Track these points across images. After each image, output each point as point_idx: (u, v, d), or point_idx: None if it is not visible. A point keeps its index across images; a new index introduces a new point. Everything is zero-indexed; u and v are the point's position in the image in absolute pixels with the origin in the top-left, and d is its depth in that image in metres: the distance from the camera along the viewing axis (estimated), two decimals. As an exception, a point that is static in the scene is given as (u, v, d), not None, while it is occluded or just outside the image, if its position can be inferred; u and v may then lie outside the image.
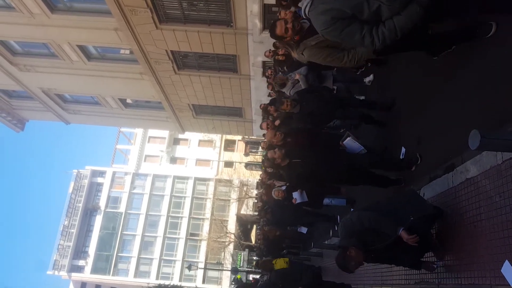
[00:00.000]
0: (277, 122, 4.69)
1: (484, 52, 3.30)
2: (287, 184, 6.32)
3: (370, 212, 3.39)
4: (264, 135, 8.00)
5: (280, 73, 7.57)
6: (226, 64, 13.16)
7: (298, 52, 3.19)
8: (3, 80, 14.86)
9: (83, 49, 13.05)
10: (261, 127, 7.81)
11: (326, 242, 8.05)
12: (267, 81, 8.82)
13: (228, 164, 36.02)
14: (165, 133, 36.98)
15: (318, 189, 4.39)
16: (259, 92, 13.50)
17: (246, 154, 32.34)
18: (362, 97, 5.94)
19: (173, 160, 38.21)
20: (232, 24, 10.99)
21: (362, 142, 4.60)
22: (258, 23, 10.66)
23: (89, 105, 17.25)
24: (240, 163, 34.00)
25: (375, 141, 5.54)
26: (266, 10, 10.25)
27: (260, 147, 22.95)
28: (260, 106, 8.23)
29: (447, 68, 3.84)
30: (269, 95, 8.94)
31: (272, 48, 7.74)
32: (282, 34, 3.08)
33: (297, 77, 6.00)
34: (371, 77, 6.20)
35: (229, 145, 37.54)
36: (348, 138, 4.51)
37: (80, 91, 16.12)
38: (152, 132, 37.94)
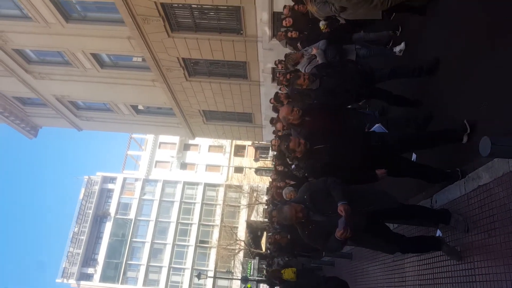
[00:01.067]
0: (285, 102, 4.13)
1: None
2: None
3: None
4: (274, 131, 7.76)
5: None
6: (236, 70, 13.27)
7: None
8: (18, 87, 15.20)
9: (96, 57, 13.30)
10: (271, 123, 7.53)
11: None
12: (277, 75, 8.33)
13: (238, 169, 36.03)
14: (175, 139, 37.23)
15: (349, 179, 3.58)
16: (269, 97, 13.49)
17: (256, 160, 32.33)
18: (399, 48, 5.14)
19: (183, 165, 38.41)
20: (242, 31, 11.13)
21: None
22: (267, 31, 10.75)
23: (102, 112, 17.50)
24: (250, 168, 33.99)
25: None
26: (275, 18, 10.33)
27: (270, 150, 22.86)
28: (270, 100, 7.85)
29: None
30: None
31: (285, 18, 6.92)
32: None
33: (314, 51, 5.19)
34: (402, 45, 5.21)
35: (239, 151, 37.61)
36: (378, 125, 3.87)
37: (93, 98, 16.38)
38: (162, 138, 38.23)
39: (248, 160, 35.78)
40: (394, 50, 5.38)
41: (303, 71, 5.25)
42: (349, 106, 4.89)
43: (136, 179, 39.52)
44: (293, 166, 7.35)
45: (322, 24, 5.34)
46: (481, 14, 3.65)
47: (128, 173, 40.61)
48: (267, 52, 11.41)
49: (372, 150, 3.60)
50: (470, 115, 3.56)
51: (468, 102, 3.69)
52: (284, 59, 6.95)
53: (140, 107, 16.99)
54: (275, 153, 10.31)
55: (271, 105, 8.08)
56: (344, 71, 4.45)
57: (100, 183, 40.51)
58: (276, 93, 6.87)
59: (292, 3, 6.98)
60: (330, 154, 3.52)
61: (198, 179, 37.97)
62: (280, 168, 8.34)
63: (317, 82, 4.34)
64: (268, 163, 30.89)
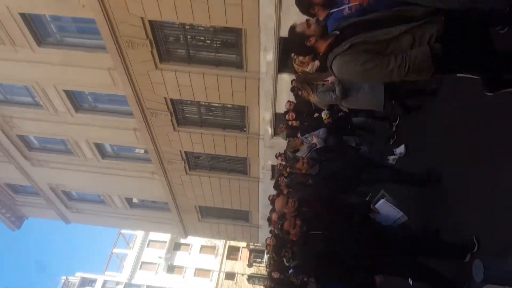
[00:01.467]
0: (285, 191, 4.06)
1: None
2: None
3: None
4: (270, 231, 7.33)
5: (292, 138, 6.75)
6: (237, 165, 13.37)
7: (328, 64, 2.56)
8: (14, 174, 14.97)
9: (99, 147, 13.44)
10: (268, 221, 7.12)
11: None
12: (278, 166, 8.24)
13: (230, 276, 33.46)
14: (166, 237, 35.42)
15: (344, 278, 3.36)
16: (267, 195, 13.33)
17: (250, 265, 30.22)
18: (393, 157, 5.16)
19: (171, 268, 35.65)
20: (245, 129, 11.56)
21: (402, 208, 3.66)
22: (269, 130, 11.18)
23: (94, 204, 16.96)
24: (242, 275, 31.60)
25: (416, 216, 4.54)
26: (277, 118, 10.84)
27: (265, 254, 21.56)
28: (268, 197, 7.71)
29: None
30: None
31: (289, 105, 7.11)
32: (304, 30, 2.52)
33: (314, 140, 5.33)
34: (402, 148, 5.27)
35: (232, 253, 35.43)
36: (382, 200, 3.61)
37: (88, 189, 16.04)
38: (153, 235, 36.41)
39: (241, 264, 33.47)
40: (394, 151, 5.46)
41: None
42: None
43: (117, 283, 36.25)
44: (290, 271, 6.74)
45: (324, 114, 5.52)
46: (481, 124, 3.74)
47: (110, 274, 37.47)
48: (268, 150, 11.66)
49: (373, 242, 3.39)
50: (470, 230, 3.48)
51: (466, 217, 3.65)
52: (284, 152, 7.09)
53: (134, 200, 16.57)
54: (269, 255, 9.61)
55: (269, 202, 7.85)
56: (344, 157, 4.54)
57: (78, 286, 37.02)
58: (277, 180, 6.77)
59: (293, 100, 7.37)
60: (325, 240, 3.38)
61: (185, 286, 34.87)
62: (275, 275, 7.63)
63: (317, 167, 4.35)
64: (262, 269, 28.85)
